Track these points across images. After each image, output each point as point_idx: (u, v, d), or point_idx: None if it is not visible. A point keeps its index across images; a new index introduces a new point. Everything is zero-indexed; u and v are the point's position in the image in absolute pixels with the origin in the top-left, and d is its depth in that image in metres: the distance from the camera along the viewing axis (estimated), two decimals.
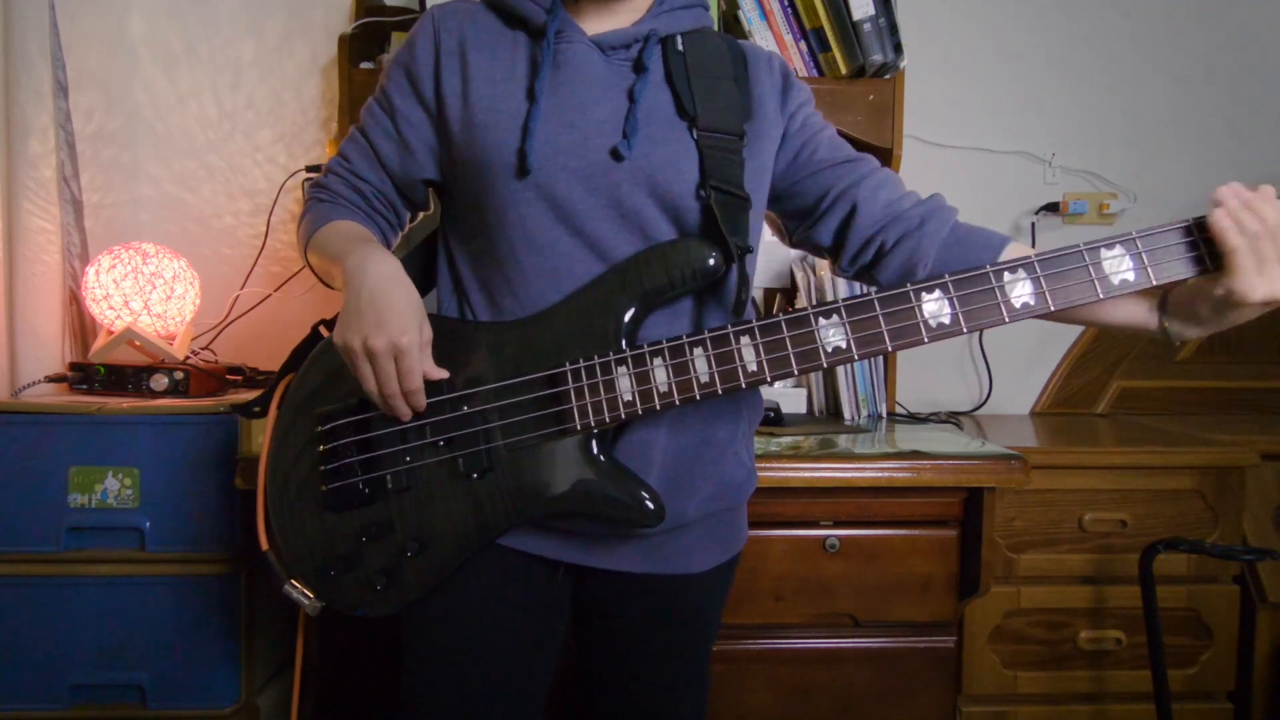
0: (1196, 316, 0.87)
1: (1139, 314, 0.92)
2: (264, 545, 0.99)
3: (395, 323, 0.87)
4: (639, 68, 0.97)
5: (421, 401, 0.91)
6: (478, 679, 0.99)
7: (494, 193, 0.94)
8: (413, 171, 1.01)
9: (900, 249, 0.99)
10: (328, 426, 0.96)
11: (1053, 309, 0.87)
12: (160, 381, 1.57)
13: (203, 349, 1.85)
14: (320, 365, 0.99)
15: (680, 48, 0.99)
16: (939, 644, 1.48)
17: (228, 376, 1.73)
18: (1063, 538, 1.63)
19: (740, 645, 1.47)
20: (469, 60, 0.96)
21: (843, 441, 1.54)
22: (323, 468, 0.95)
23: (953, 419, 1.95)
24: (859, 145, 1.75)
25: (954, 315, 0.85)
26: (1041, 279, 0.85)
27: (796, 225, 1.07)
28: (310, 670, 1.50)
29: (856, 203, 1.00)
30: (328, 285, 1.02)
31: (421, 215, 1.11)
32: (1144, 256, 0.84)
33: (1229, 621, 1.67)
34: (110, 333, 1.65)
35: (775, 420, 1.69)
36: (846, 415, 1.84)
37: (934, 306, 0.85)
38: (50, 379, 1.63)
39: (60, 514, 1.45)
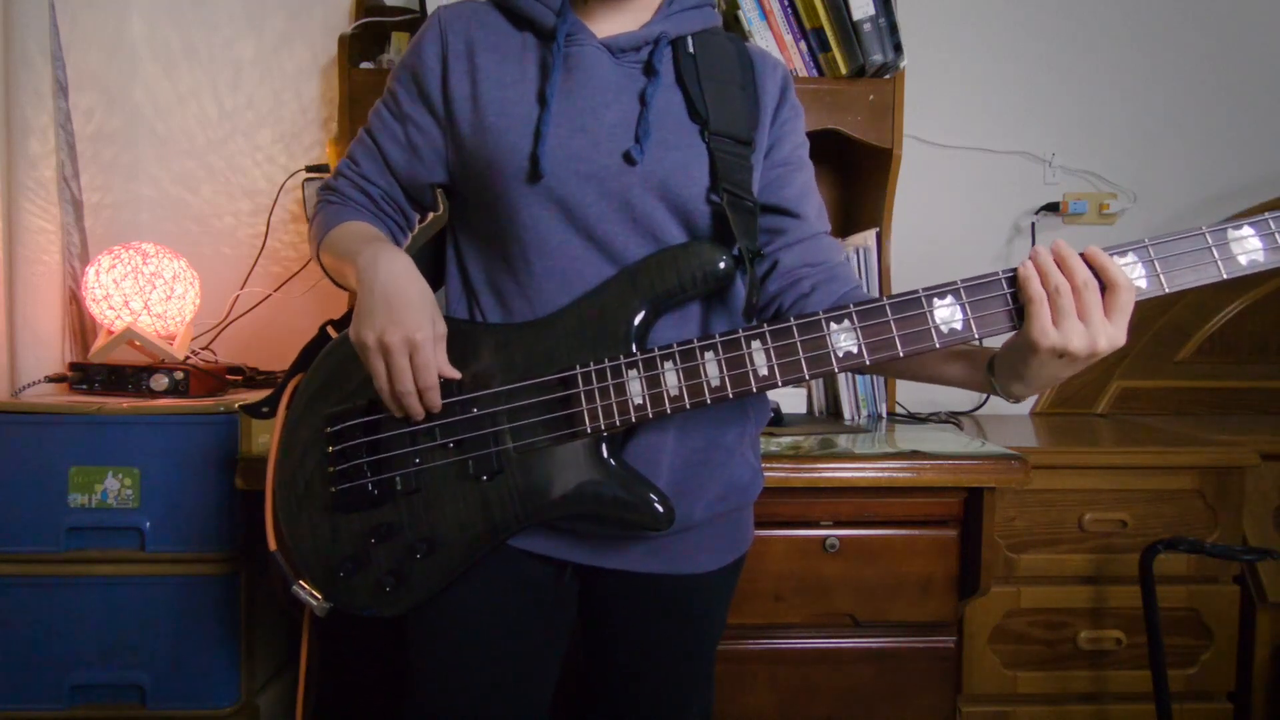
0: (1016, 371, 0.85)
1: (969, 371, 0.91)
2: (272, 546, 0.98)
3: (409, 317, 0.86)
4: (649, 71, 0.96)
5: (436, 400, 0.90)
6: (483, 679, 0.99)
7: (505, 196, 0.94)
8: (420, 175, 1.01)
9: (793, 310, 1.01)
10: (337, 428, 0.95)
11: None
12: (160, 381, 1.57)
13: (203, 349, 1.85)
14: (329, 366, 0.99)
15: (691, 50, 0.99)
16: (939, 644, 1.48)
17: (228, 376, 1.73)
18: (1063, 538, 1.63)
19: (740, 645, 1.47)
20: (477, 62, 0.96)
21: (843, 441, 1.54)
22: (332, 469, 0.95)
23: (953, 419, 1.95)
24: (859, 145, 1.78)
25: (965, 321, 0.84)
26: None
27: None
28: (309, 670, 1.50)
29: (777, 260, 1.02)
30: (341, 286, 1.02)
31: (431, 216, 1.11)
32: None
33: (1229, 621, 1.67)
34: (110, 333, 1.65)
35: (775, 420, 1.69)
36: (846, 415, 1.84)
37: (946, 312, 0.84)
38: (50, 379, 1.63)
39: (60, 514, 1.45)
